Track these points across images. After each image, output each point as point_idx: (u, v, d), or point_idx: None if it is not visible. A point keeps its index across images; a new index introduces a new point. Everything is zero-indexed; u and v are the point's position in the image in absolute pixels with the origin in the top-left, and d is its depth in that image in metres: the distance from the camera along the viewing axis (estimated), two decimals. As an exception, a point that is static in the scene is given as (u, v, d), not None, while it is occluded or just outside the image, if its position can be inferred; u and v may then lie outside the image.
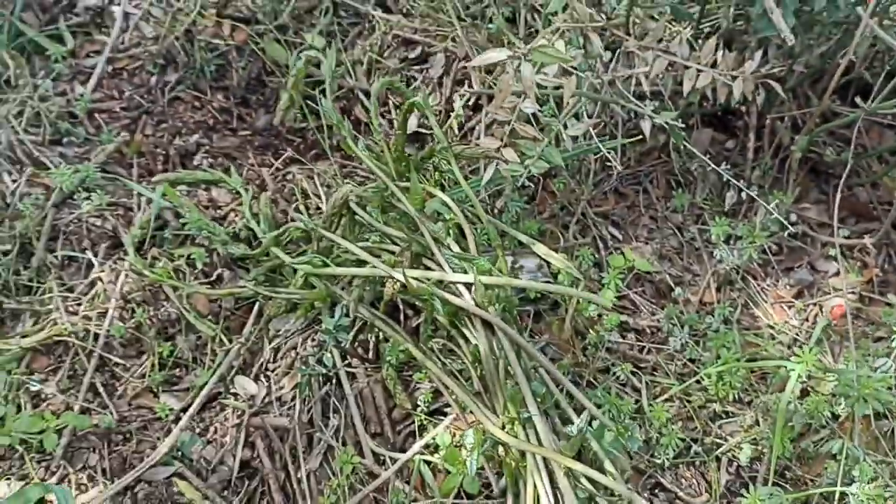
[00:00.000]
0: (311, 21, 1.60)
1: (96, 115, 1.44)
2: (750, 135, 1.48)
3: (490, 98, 1.33)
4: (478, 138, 1.33)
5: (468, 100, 1.30)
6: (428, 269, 1.05)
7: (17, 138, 1.34)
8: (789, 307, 1.32)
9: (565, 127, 1.17)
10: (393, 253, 1.06)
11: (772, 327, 1.28)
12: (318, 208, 1.27)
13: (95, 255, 1.18)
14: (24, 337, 1.09)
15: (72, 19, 1.57)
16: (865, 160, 1.52)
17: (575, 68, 1.15)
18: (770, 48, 1.39)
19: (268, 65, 1.55)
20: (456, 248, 1.00)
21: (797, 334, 1.27)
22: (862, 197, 1.49)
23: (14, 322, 1.14)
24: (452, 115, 1.12)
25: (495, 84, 1.01)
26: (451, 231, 1.01)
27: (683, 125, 1.47)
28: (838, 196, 1.23)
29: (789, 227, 1.16)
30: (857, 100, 1.23)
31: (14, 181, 1.27)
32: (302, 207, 1.27)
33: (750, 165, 1.46)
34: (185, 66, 1.50)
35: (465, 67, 1.44)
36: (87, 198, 1.22)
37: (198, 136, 1.41)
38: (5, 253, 1.18)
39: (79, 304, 1.14)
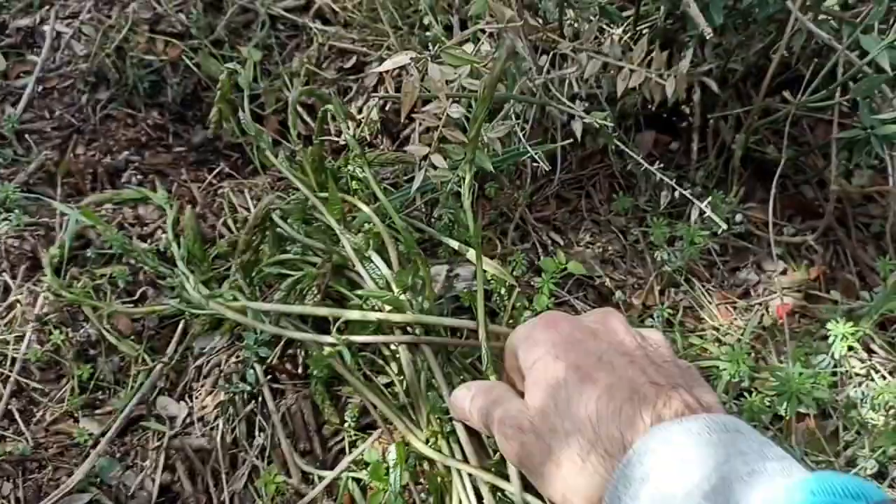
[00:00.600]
0: (248, 35, 1.58)
1: (26, 135, 1.41)
2: (693, 135, 1.47)
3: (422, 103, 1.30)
4: (404, 118, 1.31)
5: (383, 105, 1.28)
6: (351, 280, 1.02)
7: (-60, 161, 1.31)
8: (734, 308, 1.30)
9: (488, 131, 1.15)
10: (314, 265, 1.03)
11: (716, 329, 1.26)
12: (247, 221, 1.24)
13: (14, 278, 1.15)
14: (-64, 364, 1.06)
15: (3, 41, 1.54)
16: (811, 157, 1.50)
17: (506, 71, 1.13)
18: (706, 47, 1.38)
19: (203, 80, 1.52)
20: (378, 260, 0.98)
21: (741, 335, 1.24)
22: (808, 195, 1.47)
23: (-72, 349, 1.10)
24: (362, 121, 1.09)
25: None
26: (371, 242, 0.98)
27: (624, 127, 1.45)
28: (773, 192, 1.21)
29: (723, 225, 1.13)
30: (787, 94, 1.22)
31: (-66, 204, 1.24)
32: (230, 221, 1.24)
33: (694, 166, 1.44)
34: (116, 84, 1.47)
35: (399, 76, 1.41)
36: (6, 218, 1.19)
37: (128, 153, 1.38)
38: (-79, 278, 1.14)
39: (-5, 329, 1.10)
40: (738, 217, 1.42)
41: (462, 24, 1.52)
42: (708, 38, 1.01)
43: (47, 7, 1.57)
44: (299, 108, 1.46)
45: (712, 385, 1.15)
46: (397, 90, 1.46)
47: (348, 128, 1.00)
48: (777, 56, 1.24)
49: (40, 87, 1.47)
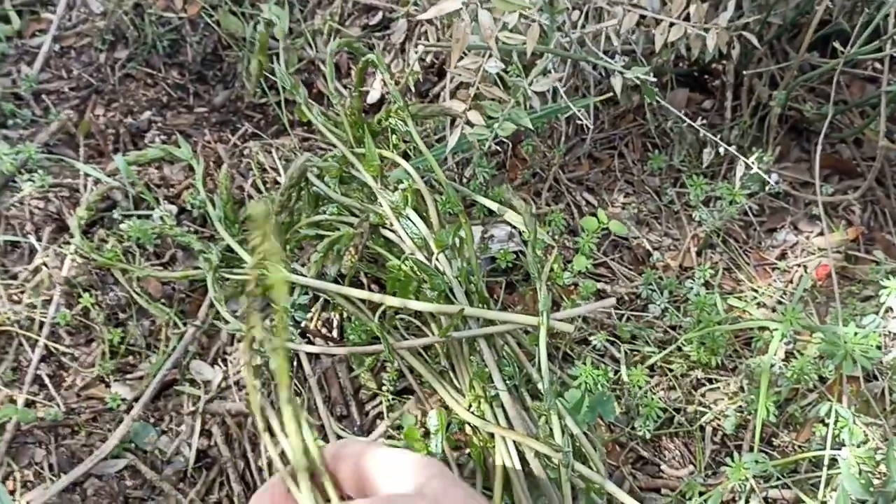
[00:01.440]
0: (268, -9, 1.53)
1: (43, 96, 1.37)
2: (727, 93, 1.43)
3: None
4: (453, 67, 1.27)
5: (425, 55, 1.24)
6: (388, 240, 0.99)
7: (-43, 122, 1.27)
8: (772, 269, 1.27)
9: (531, 84, 1.11)
10: (352, 225, 1.00)
11: (755, 290, 1.23)
12: (277, 182, 1.21)
13: (39, 240, 1.12)
14: (-36, 329, 1.03)
15: (16, -2, 1.50)
16: (847, 115, 1.47)
17: (541, 25, 1.09)
18: (745, 0, 1.33)
19: (224, 38, 1.48)
20: (416, 218, 0.94)
21: (781, 297, 1.22)
22: (845, 154, 1.44)
23: (-46, 313, 1.07)
24: (407, 71, 1.05)
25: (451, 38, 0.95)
26: (409, 199, 0.95)
27: (657, 83, 1.41)
28: (818, 150, 1.17)
29: (770, 181, 1.10)
30: (837, 45, 1.18)
31: (-47, 166, 1.20)
32: (259, 182, 1.20)
33: (728, 125, 1.41)
34: (135, 42, 1.43)
35: (426, 31, 1.37)
36: (29, 179, 1.15)
37: (150, 114, 1.34)
38: (-56, 241, 1.11)
39: (22, 293, 1.08)
40: (774, 177, 1.38)
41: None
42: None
43: (61, -37, 1.52)
44: (321, 66, 1.42)
45: (753, 348, 1.13)
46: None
47: (391, 77, 0.96)
48: (821, 8, 1.20)
49: (57, 46, 1.43)
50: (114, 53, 1.43)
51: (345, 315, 1.06)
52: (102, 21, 1.43)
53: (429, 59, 1.31)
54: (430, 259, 0.94)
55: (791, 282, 1.25)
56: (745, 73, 1.40)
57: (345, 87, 1.41)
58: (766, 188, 1.28)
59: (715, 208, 1.26)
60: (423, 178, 1.00)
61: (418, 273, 0.93)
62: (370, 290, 1.07)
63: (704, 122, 1.42)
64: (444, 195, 0.96)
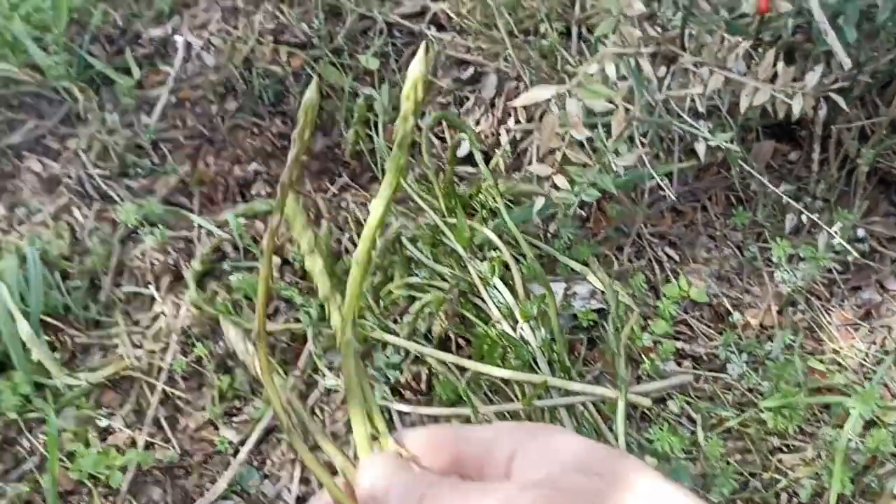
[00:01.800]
0: (366, 42, 1.62)
1: (161, 144, 1.49)
2: (815, 146, 1.43)
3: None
4: (530, 163, 1.32)
5: (514, 136, 1.29)
6: (476, 306, 1.06)
7: (87, 173, 1.40)
8: (856, 329, 1.28)
9: (616, 154, 1.15)
10: (442, 290, 1.07)
11: (836, 352, 1.24)
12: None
13: (158, 290, 1.23)
14: (92, 371, 1.15)
15: (137, 51, 1.62)
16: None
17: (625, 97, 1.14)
18: (833, 59, 1.34)
19: (324, 88, 1.57)
20: (502, 287, 1.01)
21: (864, 359, 1.23)
22: (935, 210, 1.43)
23: (84, 356, 1.19)
24: (498, 151, 1.11)
25: (541, 119, 1.01)
26: (496, 269, 1.01)
27: (743, 138, 1.43)
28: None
29: (854, 253, 1.12)
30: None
31: (84, 216, 1.33)
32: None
33: (815, 178, 1.41)
34: (244, 94, 1.54)
35: (517, 87, 1.43)
36: (151, 232, 1.27)
37: (256, 164, 1.44)
38: (76, 288, 1.23)
39: (143, 339, 1.19)
40: (861, 233, 1.38)
41: (579, 32, 1.52)
42: (846, 67, 0.99)
43: (177, 17, 1.64)
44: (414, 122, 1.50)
45: (832, 413, 1.14)
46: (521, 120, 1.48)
47: (481, 156, 1.03)
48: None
49: (173, 98, 1.55)
50: (224, 105, 1.54)
51: (433, 370, 1.13)
52: (215, 74, 1.54)
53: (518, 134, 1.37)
54: (515, 328, 1.00)
55: (875, 343, 1.26)
56: (833, 126, 1.40)
57: (436, 136, 1.48)
58: (850, 258, 1.29)
59: (797, 267, 1.27)
60: (511, 241, 1.06)
61: (504, 341, 0.99)
62: (458, 346, 1.14)
63: (788, 174, 1.44)
64: (527, 266, 1.02)
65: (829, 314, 1.30)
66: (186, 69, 1.57)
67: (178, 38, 1.60)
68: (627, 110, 1.08)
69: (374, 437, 0.40)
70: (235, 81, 1.54)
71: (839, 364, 1.22)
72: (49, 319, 1.19)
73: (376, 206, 0.40)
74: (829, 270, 1.32)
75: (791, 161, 1.47)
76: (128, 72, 1.59)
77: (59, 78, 1.50)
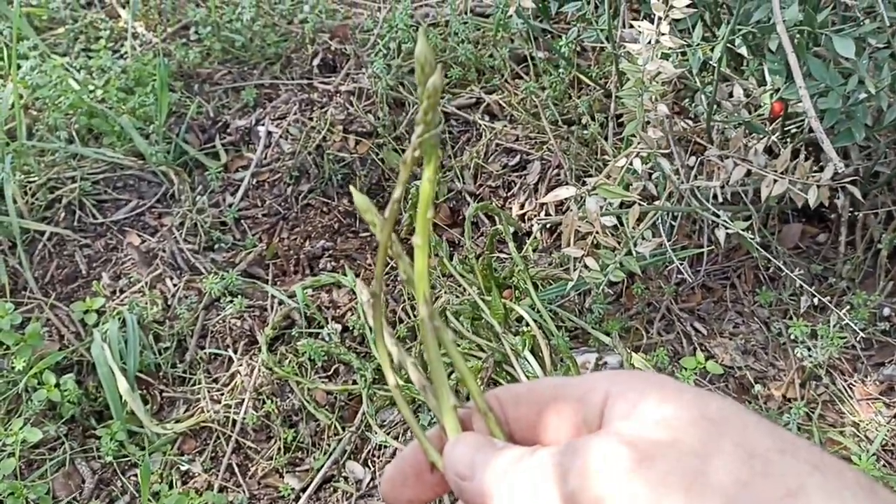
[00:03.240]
0: (426, 130, 1.79)
1: (242, 222, 1.69)
2: (841, 229, 1.53)
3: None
4: (567, 244, 1.46)
5: (544, 226, 1.44)
6: (510, 374, 1.19)
7: (178, 247, 1.60)
8: (875, 403, 1.35)
9: (643, 238, 1.29)
10: (480, 358, 1.21)
11: (856, 425, 1.32)
12: (423, 309, 1.44)
13: (235, 352, 1.41)
14: (177, 422, 1.32)
15: (225, 138, 1.84)
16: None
17: (648, 192, 1.27)
18: (852, 150, 1.44)
19: (386, 171, 1.75)
20: (531, 359, 1.14)
21: (887, 433, 1.30)
22: (960, 290, 1.49)
23: (170, 408, 1.37)
24: (534, 233, 1.26)
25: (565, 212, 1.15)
26: (527, 342, 1.14)
27: (767, 222, 1.54)
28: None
29: (859, 332, 1.21)
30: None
31: (175, 286, 1.53)
32: (408, 307, 1.44)
33: (842, 259, 1.51)
34: (316, 177, 1.73)
35: (558, 174, 1.58)
36: (231, 301, 1.45)
37: (324, 241, 1.62)
38: (166, 349, 1.42)
39: (221, 395, 1.36)
40: (886, 311, 1.46)
41: (617, 123, 1.66)
42: (840, 170, 1.10)
43: (261, 110, 1.86)
44: (465, 196, 1.66)
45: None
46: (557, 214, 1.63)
47: (515, 246, 1.17)
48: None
49: (254, 180, 1.75)
50: (298, 186, 1.73)
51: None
52: (291, 160, 1.74)
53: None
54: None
55: (895, 417, 1.33)
56: (857, 211, 1.50)
57: (487, 216, 1.63)
58: (874, 325, 1.37)
59: (817, 344, 1.36)
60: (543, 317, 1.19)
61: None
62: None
63: (816, 255, 1.53)
64: (556, 340, 1.15)
65: (851, 389, 1.38)
66: (266, 154, 1.78)
67: (261, 128, 1.81)
68: (651, 200, 1.22)
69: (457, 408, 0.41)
70: (309, 166, 1.73)
71: (859, 437, 1.30)
72: (142, 376, 1.38)
73: (423, 187, 0.40)
74: (853, 346, 1.41)
75: (819, 242, 1.57)
76: (216, 157, 1.80)
77: (159, 163, 1.72)
